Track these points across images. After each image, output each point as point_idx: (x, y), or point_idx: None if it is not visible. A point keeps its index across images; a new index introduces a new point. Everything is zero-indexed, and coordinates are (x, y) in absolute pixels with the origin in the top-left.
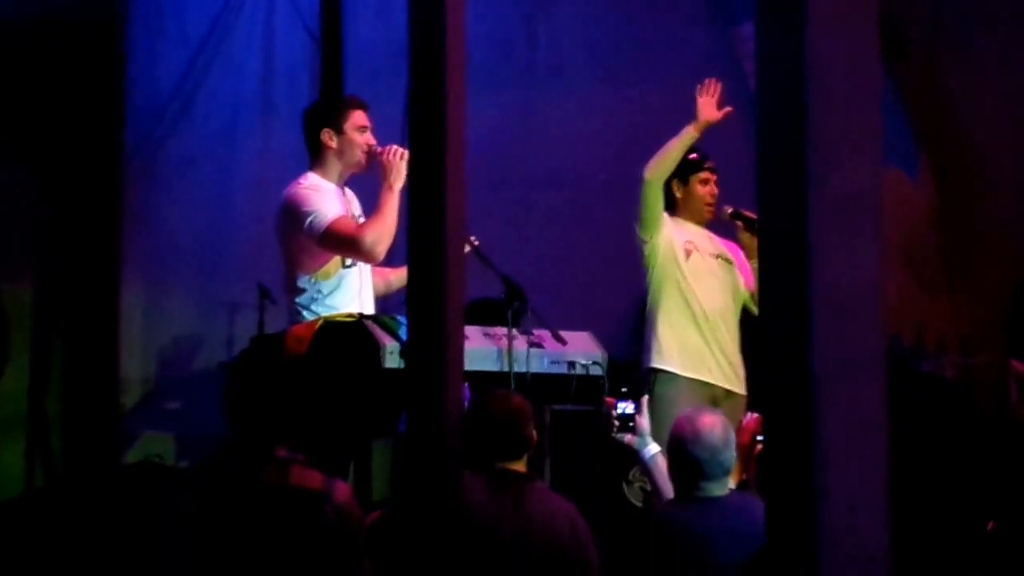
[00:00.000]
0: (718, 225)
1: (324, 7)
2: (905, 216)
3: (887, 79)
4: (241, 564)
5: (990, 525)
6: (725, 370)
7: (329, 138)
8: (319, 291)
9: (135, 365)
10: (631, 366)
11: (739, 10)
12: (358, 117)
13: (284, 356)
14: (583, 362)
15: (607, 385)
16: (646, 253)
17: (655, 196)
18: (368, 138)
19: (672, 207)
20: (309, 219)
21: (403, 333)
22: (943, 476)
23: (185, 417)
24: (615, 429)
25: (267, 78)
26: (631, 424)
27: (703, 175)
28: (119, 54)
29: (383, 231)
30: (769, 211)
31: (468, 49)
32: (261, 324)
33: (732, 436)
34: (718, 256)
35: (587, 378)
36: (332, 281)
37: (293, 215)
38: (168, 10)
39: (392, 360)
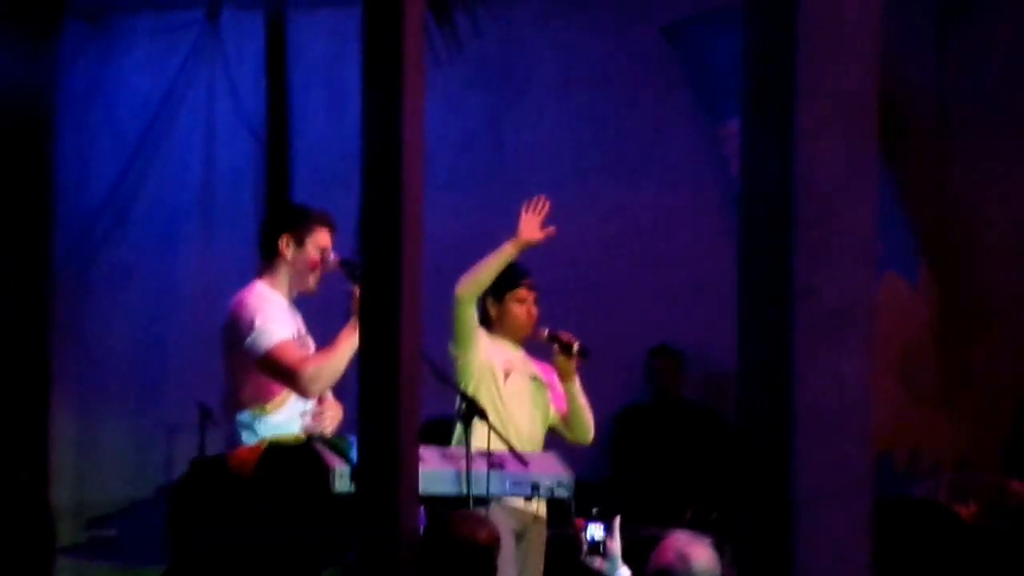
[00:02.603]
0: (533, 346)
1: (270, 106)
2: (902, 325)
3: (888, 176)
4: None
5: None
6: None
7: (286, 246)
8: (262, 408)
9: (68, 491)
10: (601, 486)
11: (725, 105)
12: (322, 236)
13: (228, 481)
14: (548, 484)
15: (575, 507)
16: (457, 369)
17: (466, 313)
18: (322, 263)
19: (488, 325)
20: (252, 336)
21: (354, 455)
22: None
23: (123, 546)
24: (584, 553)
25: (208, 183)
26: (601, 548)
27: (520, 294)
28: (47, 158)
29: (327, 372)
30: (751, 323)
31: (426, 149)
32: (202, 446)
33: (720, 570)
34: (533, 378)
35: (552, 500)
36: (277, 398)
37: (237, 329)
38: (100, 111)
39: (342, 484)
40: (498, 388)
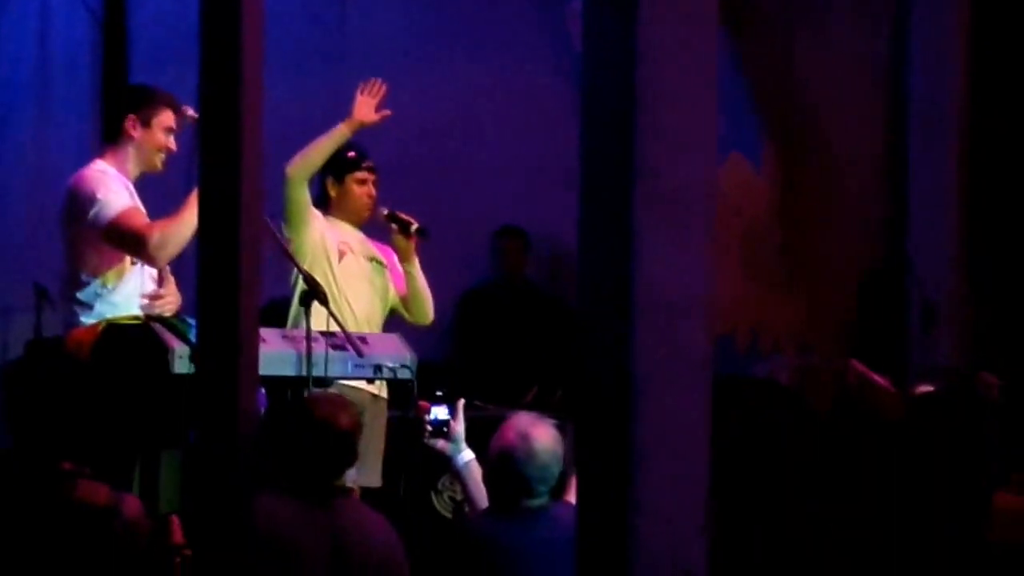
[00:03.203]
0: (372, 228)
1: None
2: (745, 206)
3: (731, 54)
4: None
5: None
6: None
7: (132, 126)
8: (103, 286)
9: None
10: (445, 368)
11: None
12: (167, 117)
13: (65, 362)
14: (390, 365)
15: (417, 388)
16: (292, 251)
17: (297, 194)
18: (171, 143)
19: (326, 206)
20: (95, 208)
21: (194, 336)
22: (771, 484)
23: None
24: (427, 435)
25: (43, 63)
26: (444, 429)
27: (360, 175)
28: None
29: (175, 236)
30: (592, 203)
31: (269, 27)
32: (38, 327)
33: (562, 449)
34: (371, 259)
35: (396, 382)
36: (115, 276)
37: (78, 202)
38: None
39: (182, 365)
40: (332, 269)
